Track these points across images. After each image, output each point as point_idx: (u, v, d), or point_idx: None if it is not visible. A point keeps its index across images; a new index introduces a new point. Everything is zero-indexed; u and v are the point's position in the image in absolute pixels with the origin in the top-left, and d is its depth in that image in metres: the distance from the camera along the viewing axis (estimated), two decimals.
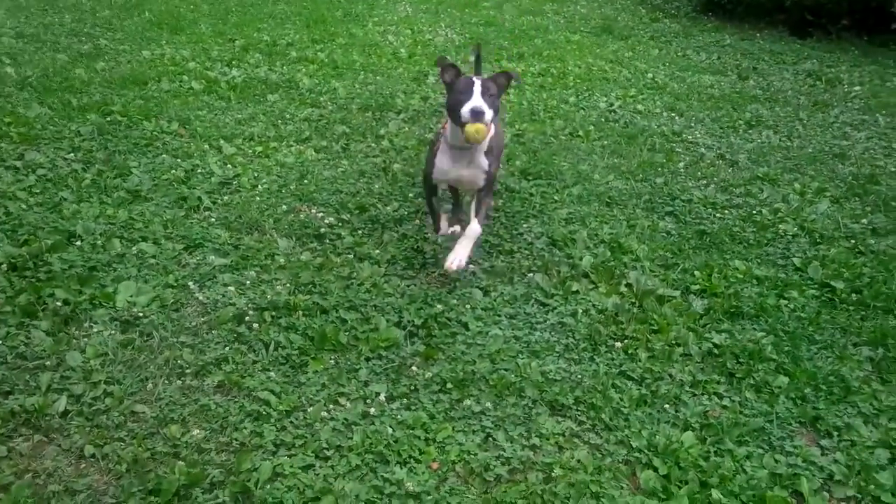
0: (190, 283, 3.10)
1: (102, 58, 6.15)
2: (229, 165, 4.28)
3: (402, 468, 2.24)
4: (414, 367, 2.72)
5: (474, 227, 3.19)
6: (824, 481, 2.31)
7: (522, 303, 3.17)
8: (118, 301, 2.93)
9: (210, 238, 3.47)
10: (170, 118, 4.88)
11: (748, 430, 2.48)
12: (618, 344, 2.90)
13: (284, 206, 3.86)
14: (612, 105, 5.93)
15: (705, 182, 4.49)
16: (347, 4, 9.21)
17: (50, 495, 2.08)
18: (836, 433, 2.50)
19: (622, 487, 2.24)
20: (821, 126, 5.68)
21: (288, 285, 3.16)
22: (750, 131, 5.50)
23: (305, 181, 4.17)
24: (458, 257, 3.11)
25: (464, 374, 2.68)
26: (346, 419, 2.43)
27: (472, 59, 3.43)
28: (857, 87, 6.75)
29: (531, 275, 3.37)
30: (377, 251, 3.49)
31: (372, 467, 2.25)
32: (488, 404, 2.55)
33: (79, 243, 3.30)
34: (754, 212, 4.08)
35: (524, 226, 3.81)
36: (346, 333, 2.87)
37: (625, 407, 2.58)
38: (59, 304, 2.86)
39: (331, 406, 2.50)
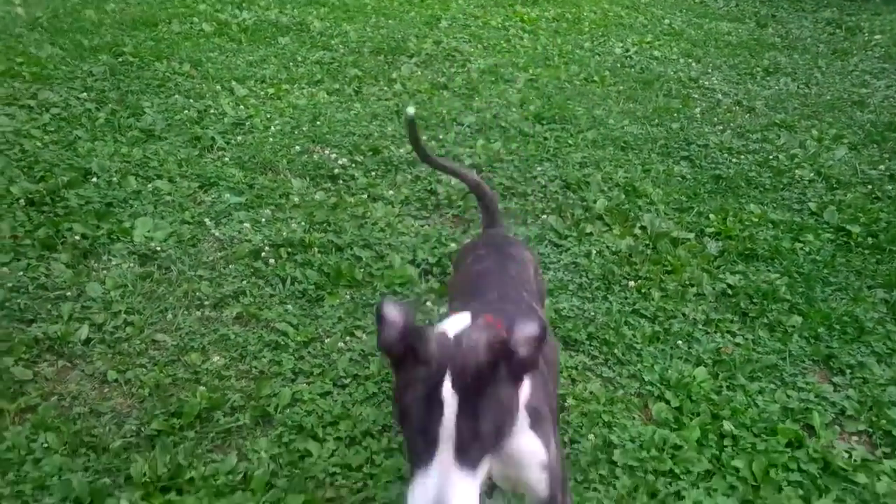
0: (206, 220, 3.12)
1: None
2: (242, 107, 4.26)
3: None
4: (428, 303, 2.74)
5: None
6: (836, 416, 2.33)
7: (536, 243, 3.17)
8: (136, 236, 2.95)
9: (224, 177, 3.47)
10: (181, 60, 4.83)
11: (760, 366, 2.50)
12: (631, 283, 2.91)
13: (298, 147, 3.85)
14: (627, 51, 5.82)
15: (721, 128, 4.43)
16: None
17: (76, 416, 2.13)
18: (848, 371, 2.51)
19: (634, 418, 2.28)
20: (839, 74, 5.57)
21: (303, 223, 3.18)
22: (767, 78, 5.40)
23: (318, 123, 4.14)
24: None
25: None
26: (362, 350, 2.47)
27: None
28: (878, 36, 6.59)
29: (545, 216, 3.36)
30: (390, 192, 3.49)
31: (388, 395, 2.29)
32: None
33: (95, 180, 3.31)
34: (770, 157, 4.04)
35: (538, 169, 3.79)
36: (362, 270, 2.89)
37: (637, 343, 2.60)
38: (77, 237, 2.89)
39: (347, 338, 2.54)
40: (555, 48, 5.76)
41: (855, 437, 2.27)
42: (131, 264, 2.80)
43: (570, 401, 2.31)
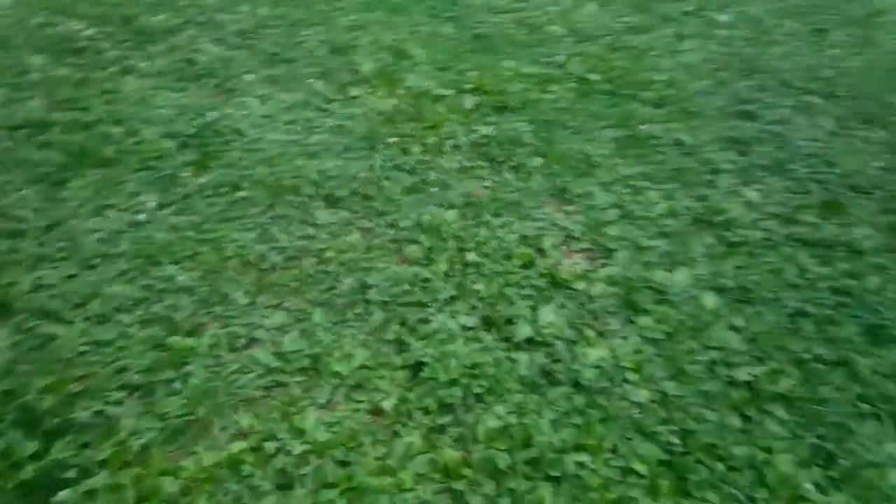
0: None
1: None
2: None
3: (174, 266, 2.28)
4: (186, 175, 2.68)
5: None
6: (565, 239, 2.67)
7: (301, 108, 3.16)
8: None
9: None
10: None
11: (504, 203, 2.76)
12: (392, 139, 3.03)
13: (39, 20, 3.44)
14: None
15: None
16: None
17: None
18: (577, 199, 2.85)
19: (390, 262, 2.46)
20: None
21: (44, 101, 2.91)
22: None
23: None
24: None
25: (239, 178, 2.70)
26: (112, 229, 2.39)
27: None
28: None
29: (311, 81, 3.34)
30: (144, 64, 3.26)
31: (143, 269, 2.27)
32: (264, 204, 2.61)
33: None
34: (528, 16, 4.25)
35: (304, 33, 3.71)
36: (111, 147, 2.74)
37: (396, 195, 2.75)
38: None
39: (96, 218, 2.44)
40: None
41: (579, 255, 2.62)
42: None
43: (329, 253, 2.43)
